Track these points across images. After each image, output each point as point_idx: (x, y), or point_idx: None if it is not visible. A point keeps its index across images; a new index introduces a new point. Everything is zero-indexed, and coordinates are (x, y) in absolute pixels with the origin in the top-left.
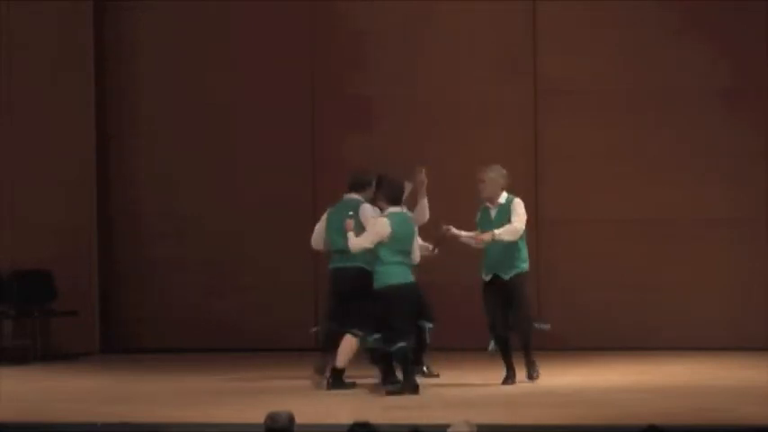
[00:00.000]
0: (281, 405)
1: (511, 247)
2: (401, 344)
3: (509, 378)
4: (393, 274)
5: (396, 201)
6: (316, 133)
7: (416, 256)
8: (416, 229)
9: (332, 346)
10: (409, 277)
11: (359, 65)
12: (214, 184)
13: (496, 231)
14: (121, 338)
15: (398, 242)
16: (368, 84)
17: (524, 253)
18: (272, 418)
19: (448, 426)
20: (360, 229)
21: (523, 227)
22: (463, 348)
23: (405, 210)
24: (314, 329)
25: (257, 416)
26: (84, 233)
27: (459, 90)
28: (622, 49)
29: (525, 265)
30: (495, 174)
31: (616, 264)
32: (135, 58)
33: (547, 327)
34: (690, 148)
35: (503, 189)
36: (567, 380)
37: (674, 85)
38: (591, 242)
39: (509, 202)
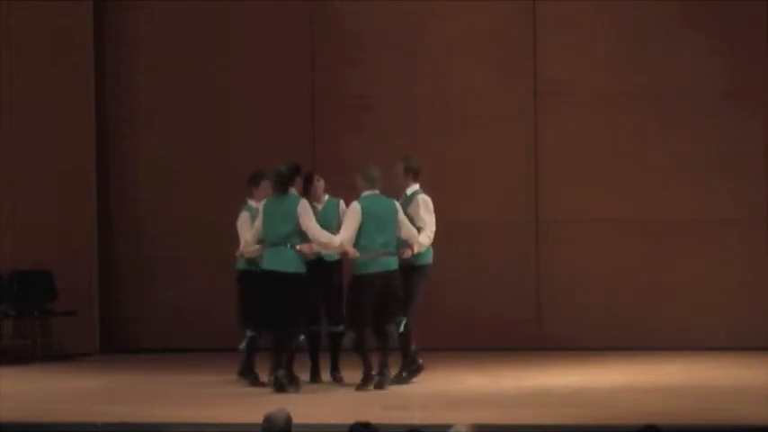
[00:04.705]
0: (281, 405)
1: None
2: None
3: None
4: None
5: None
6: (316, 133)
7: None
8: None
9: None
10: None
11: (359, 65)
12: (214, 184)
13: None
14: (121, 338)
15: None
16: (368, 84)
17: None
18: (268, 419)
19: (448, 426)
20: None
21: (344, 235)
22: (463, 348)
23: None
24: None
25: (256, 416)
26: (84, 233)
27: (458, 90)
28: (622, 49)
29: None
30: (358, 175)
31: (616, 263)
32: (135, 57)
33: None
34: (690, 147)
35: (362, 189)
36: (566, 380)
37: (674, 85)
38: (591, 242)
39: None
